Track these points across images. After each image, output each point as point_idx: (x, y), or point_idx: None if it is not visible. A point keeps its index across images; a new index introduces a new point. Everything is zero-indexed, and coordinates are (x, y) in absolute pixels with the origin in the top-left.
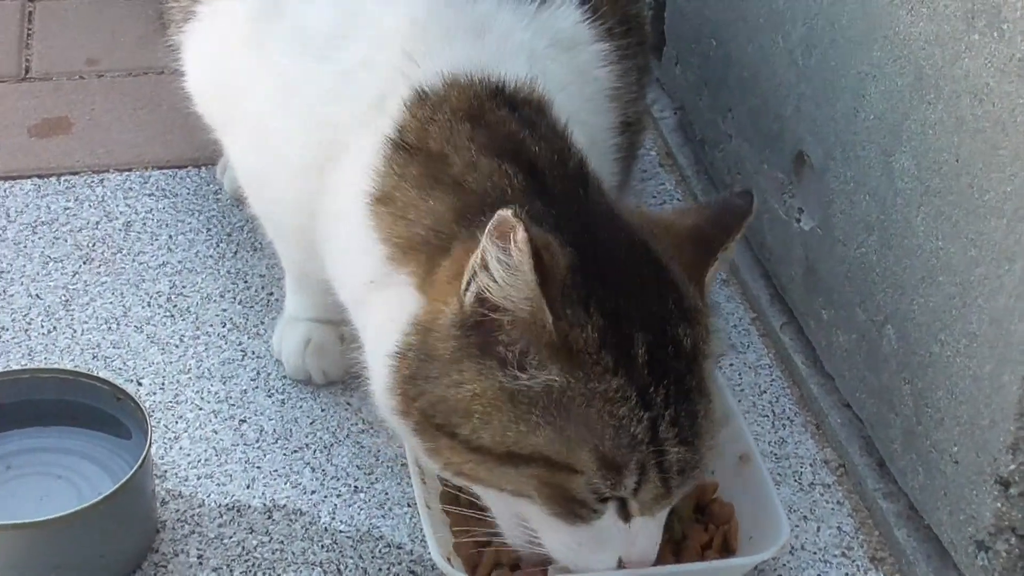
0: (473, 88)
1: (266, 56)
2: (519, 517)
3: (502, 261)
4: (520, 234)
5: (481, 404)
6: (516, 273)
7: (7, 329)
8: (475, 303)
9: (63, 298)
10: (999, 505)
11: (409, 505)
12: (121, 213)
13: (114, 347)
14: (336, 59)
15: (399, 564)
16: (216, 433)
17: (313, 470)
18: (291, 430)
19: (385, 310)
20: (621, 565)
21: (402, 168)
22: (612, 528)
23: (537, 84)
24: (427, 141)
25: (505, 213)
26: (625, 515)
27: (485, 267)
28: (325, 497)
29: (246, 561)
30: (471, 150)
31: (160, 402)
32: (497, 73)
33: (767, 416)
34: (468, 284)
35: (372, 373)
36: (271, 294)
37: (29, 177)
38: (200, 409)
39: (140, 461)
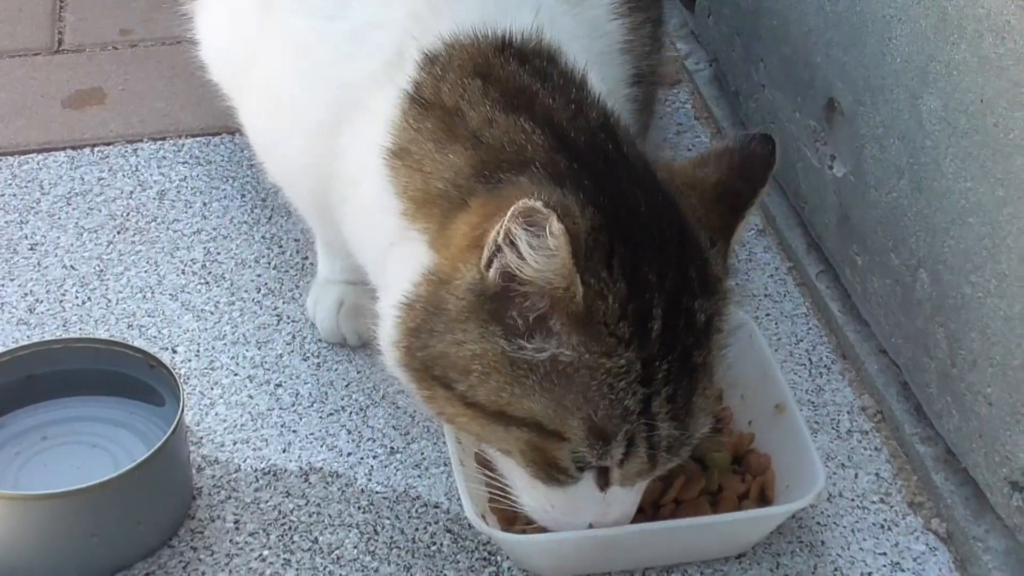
0: (478, 44)
1: (275, 18)
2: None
3: (534, 245)
4: (556, 225)
5: (480, 364)
6: (552, 257)
7: (42, 301)
8: (499, 278)
9: (97, 268)
10: None
11: (445, 465)
12: (155, 182)
13: (149, 315)
14: (344, 17)
15: (436, 523)
16: (252, 398)
17: (349, 432)
18: (327, 393)
19: (399, 264)
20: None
21: (418, 122)
22: (588, 494)
23: (544, 33)
24: (441, 96)
25: (534, 204)
26: (603, 483)
27: (512, 246)
28: (361, 459)
29: (283, 525)
30: (486, 105)
31: (195, 369)
32: (502, 26)
33: (804, 365)
34: (491, 259)
35: (381, 323)
36: (305, 258)
37: (63, 149)
38: (235, 375)
39: (173, 427)
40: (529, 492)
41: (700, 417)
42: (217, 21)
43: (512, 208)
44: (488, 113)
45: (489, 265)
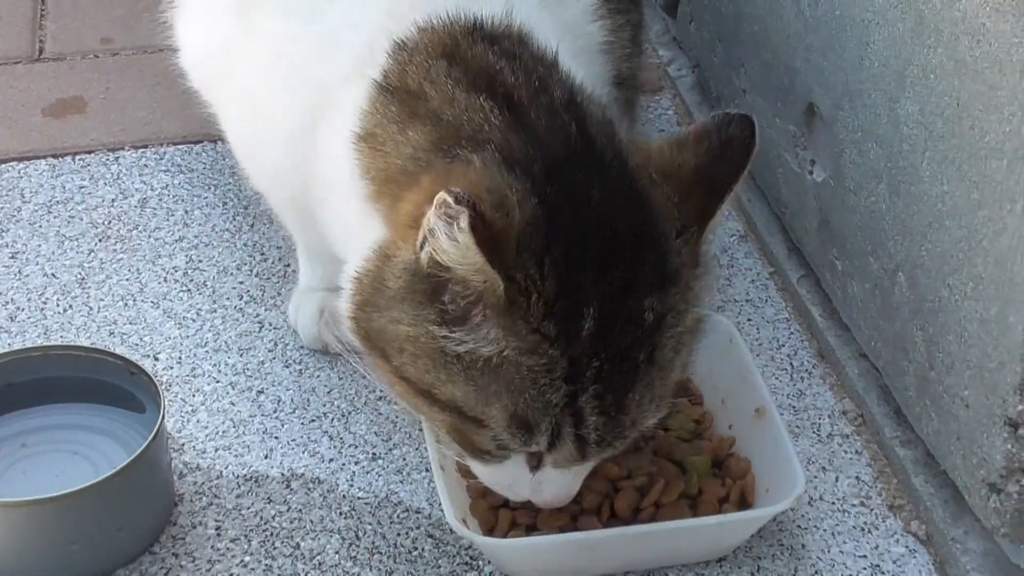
0: (448, 28)
1: (252, 23)
2: None
3: (451, 237)
4: (463, 223)
5: (412, 345)
6: (465, 252)
7: (23, 309)
8: (430, 262)
9: (79, 276)
10: (1009, 447)
11: (427, 470)
12: (137, 190)
13: (131, 323)
14: (320, 20)
15: (417, 528)
16: (233, 405)
17: (331, 439)
18: (308, 400)
19: (359, 242)
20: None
21: (384, 107)
22: (520, 473)
23: (514, 17)
24: (406, 80)
25: (446, 197)
26: (534, 465)
27: (433, 234)
28: (343, 465)
29: (264, 531)
30: (448, 85)
31: (177, 376)
32: (472, 11)
33: (785, 369)
34: (423, 242)
35: (341, 294)
36: (287, 265)
37: (44, 157)
38: (217, 382)
39: (154, 433)
40: (470, 460)
41: (638, 411)
42: (196, 28)
43: (435, 198)
44: (449, 92)
45: (423, 247)
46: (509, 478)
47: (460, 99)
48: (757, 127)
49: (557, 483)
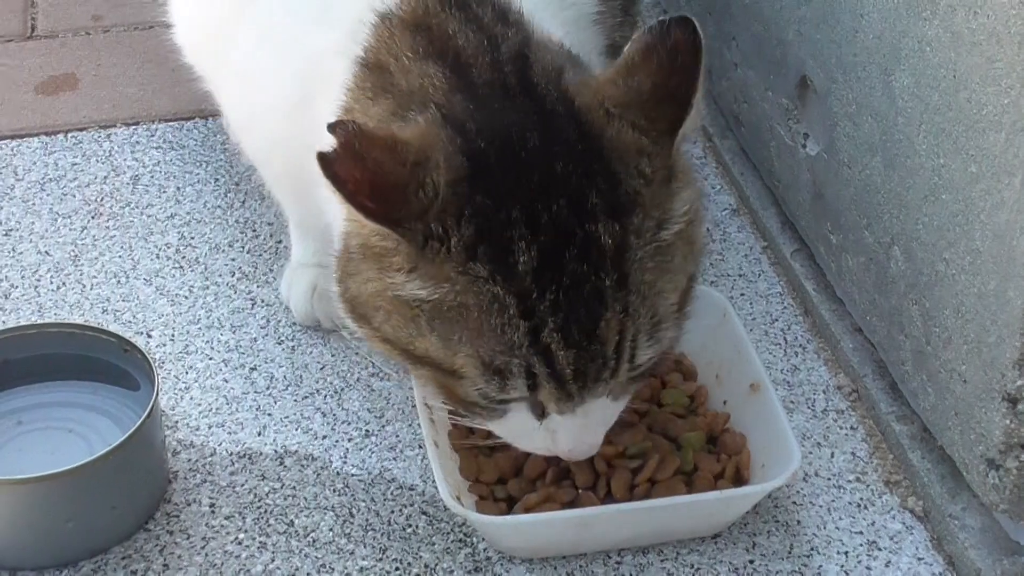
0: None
1: None
2: None
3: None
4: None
5: (383, 300)
6: (352, 214)
7: (16, 286)
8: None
9: (72, 254)
10: (1008, 422)
11: (420, 447)
12: (129, 167)
13: (124, 300)
14: None
15: (411, 505)
16: (226, 382)
17: (324, 415)
18: (301, 376)
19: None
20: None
21: (362, 82)
22: (528, 424)
23: None
24: (379, 56)
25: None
26: (539, 412)
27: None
28: (336, 442)
29: (258, 508)
30: (407, 56)
31: (170, 353)
32: None
33: (779, 344)
34: None
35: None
36: (279, 242)
37: (36, 135)
38: (210, 359)
39: (148, 411)
40: (480, 419)
41: (618, 341)
42: (191, 3)
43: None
44: (407, 64)
45: None
46: (520, 430)
47: (414, 69)
48: (696, 23)
49: (570, 430)
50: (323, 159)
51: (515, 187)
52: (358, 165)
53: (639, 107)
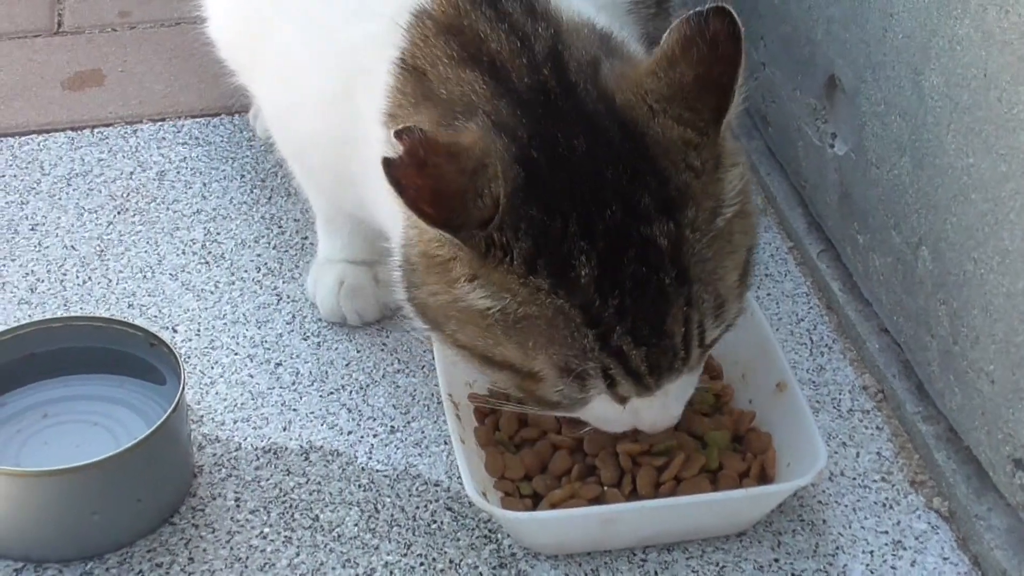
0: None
1: None
2: None
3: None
4: (398, 199)
5: (455, 310)
6: (412, 220)
7: (43, 280)
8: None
9: (98, 248)
10: None
11: (445, 443)
12: (155, 163)
13: (149, 295)
14: None
15: (436, 501)
16: (252, 377)
17: (349, 411)
18: (327, 372)
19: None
20: None
21: (403, 85)
22: (610, 409)
23: None
24: (416, 60)
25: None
26: (619, 399)
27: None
28: (362, 437)
29: (283, 503)
30: (443, 63)
31: (196, 348)
32: None
33: (805, 344)
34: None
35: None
36: (305, 238)
37: (63, 130)
38: (236, 354)
39: (174, 405)
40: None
41: (685, 332)
42: None
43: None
44: (444, 71)
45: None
46: (605, 416)
47: (452, 76)
48: (734, 12)
49: (653, 408)
50: (387, 164)
51: (569, 197)
52: (421, 172)
53: (682, 99)
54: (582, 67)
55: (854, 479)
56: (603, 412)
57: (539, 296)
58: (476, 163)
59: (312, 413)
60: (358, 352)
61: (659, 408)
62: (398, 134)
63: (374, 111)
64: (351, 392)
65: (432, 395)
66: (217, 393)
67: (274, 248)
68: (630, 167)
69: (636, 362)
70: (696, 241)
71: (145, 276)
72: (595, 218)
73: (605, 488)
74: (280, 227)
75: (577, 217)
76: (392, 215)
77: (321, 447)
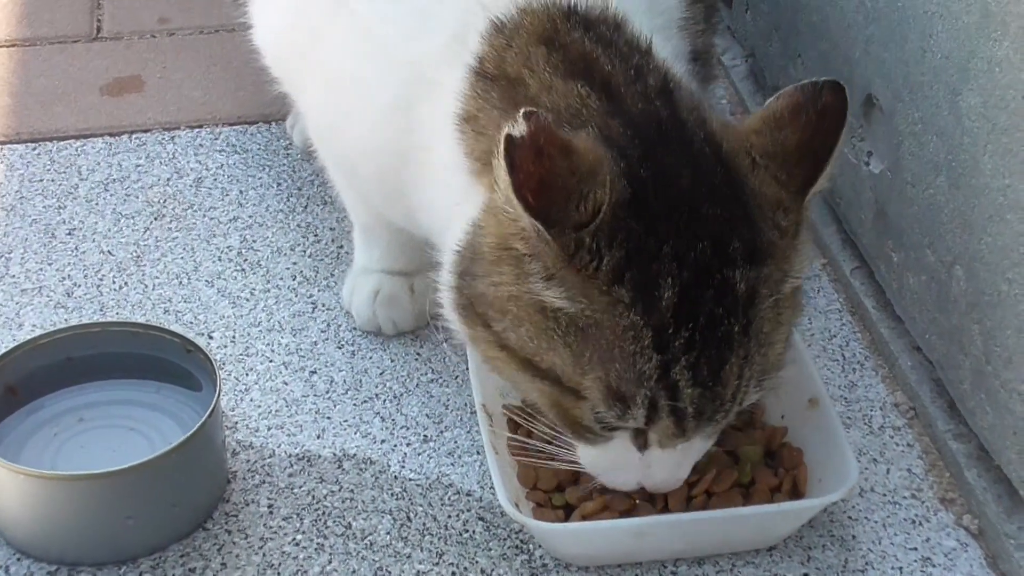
0: (547, 11)
1: (338, 1)
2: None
3: (499, 189)
4: (503, 178)
5: (516, 306)
6: (510, 204)
7: (79, 285)
8: (498, 208)
9: (134, 254)
10: None
11: (478, 453)
12: (192, 169)
13: (185, 301)
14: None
15: (468, 511)
16: (286, 384)
17: (383, 420)
18: (361, 381)
19: (460, 221)
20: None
21: (485, 92)
22: (627, 454)
23: (611, 1)
24: (505, 68)
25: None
26: (641, 444)
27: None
28: (395, 446)
29: (316, 510)
30: (547, 72)
31: (231, 355)
32: None
33: (837, 360)
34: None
35: (441, 271)
36: (341, 247)
37: (101, 135)
38: (270, 361)
39: (209, 411)
40: (577, 445)
41: (738, 384)
42: (274, 5)
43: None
44: (547, 80)
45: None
46: (617, 461)
47: (558, 86)
48: (846, 90)
49: (666, 464)
50: (509, 140)
51: (667, 222)
52: (537, 159)
53: (782, 161)
54: (690, 109)
55: (884, 495)
56: (618, 457)
57: (616, 308)
58: (588, 168)
59: (346, 421)
60: (392, 361)
61: (673, 464)
62: (527, 114)
63: (441, 115)
64: (385, 401)
65: (466, 405)
66: (252, 400)
67: (310, 256)
68: (727, 211)
69: (686, 401)
70: (766, 298)
71: (181, 282)
72: (687, 248)
73: (637, 501)
74: (316, 235)
75: (672, 243)
76: (447, 219)
77: (354, 455)
